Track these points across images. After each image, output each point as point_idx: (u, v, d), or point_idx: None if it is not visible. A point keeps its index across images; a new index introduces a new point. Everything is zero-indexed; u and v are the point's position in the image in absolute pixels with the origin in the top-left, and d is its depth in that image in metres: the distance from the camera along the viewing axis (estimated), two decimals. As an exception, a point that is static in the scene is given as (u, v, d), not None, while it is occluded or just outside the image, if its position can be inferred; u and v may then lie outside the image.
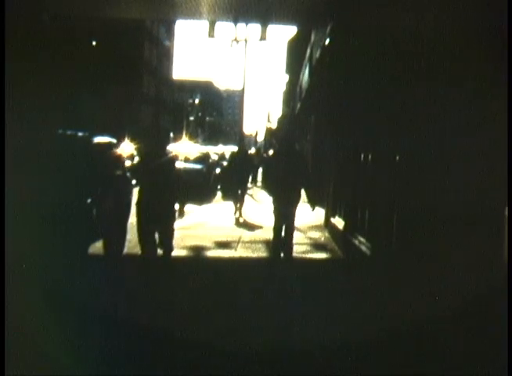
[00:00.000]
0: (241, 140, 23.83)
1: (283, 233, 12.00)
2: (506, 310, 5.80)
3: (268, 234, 15.66)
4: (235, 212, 19.84)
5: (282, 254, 12.03)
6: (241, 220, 19.27)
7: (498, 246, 7.83)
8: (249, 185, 36.15)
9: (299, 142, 34.83)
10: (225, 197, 20.25)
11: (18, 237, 7.81)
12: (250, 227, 17.11)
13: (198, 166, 26.37)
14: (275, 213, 12.10)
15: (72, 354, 5.78)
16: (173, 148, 32.79)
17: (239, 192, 20.30)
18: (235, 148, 21.31)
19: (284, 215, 12.01)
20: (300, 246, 14.46)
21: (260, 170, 36.31)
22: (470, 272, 8.40)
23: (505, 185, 6.72)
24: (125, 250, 12.49)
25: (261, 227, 17.36)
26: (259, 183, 37.16)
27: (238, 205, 19.99)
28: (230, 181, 21.19)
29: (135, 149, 19.59)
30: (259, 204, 25.26)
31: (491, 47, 7.95)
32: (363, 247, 12.78)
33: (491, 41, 7.94)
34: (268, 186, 12.56)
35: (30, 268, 7.91)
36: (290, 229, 12.06)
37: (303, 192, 12.30)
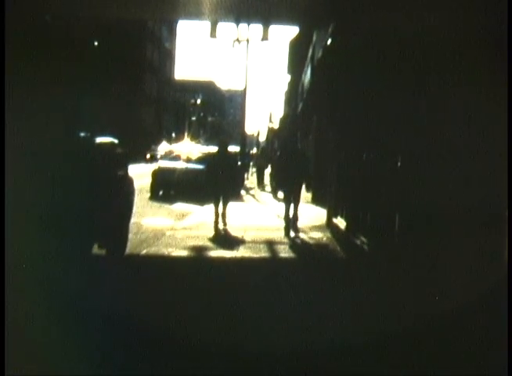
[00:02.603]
0: (223, 139, 19.42)
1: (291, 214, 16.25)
2: (506, 310, 5.81)
3: (270, 235, 15.70)
4: (215, 221, 16.42)
5: (290, 228, 16.11)
6: (222, 233, 16.11)
7: (498, 245, 7.84)
8: (251, 185, 36.29)
9: (301, 141, 34.84)
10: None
11: (20, 238, 7.81)
12: (252, 227, 17.10)
13: (200, 166, 26.38)
14: (284, 199, 16.69)
15: (72, 354, 5.79)
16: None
17: (220, 200, 16.66)
18: (220, 149, 17.38)
19: (291, 200, 16.35)
20: (302, 246, 14.48)
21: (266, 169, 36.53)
22: (470, 271, 8.41)
23: (505, 185, 6.72)
24: (127, 250, 12.50)
25: (263, 228, 17.36)
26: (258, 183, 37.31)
27: (219, 215, 16.55)
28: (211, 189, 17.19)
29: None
30: (262, 205, 25.28)
31: (491, 47, 7.95)
32: (365, 247, 12.80)
33: (491, 42, 7.95)
34: (276, 179, 17.58)
35: (31, 268, 7.91)
36: (296, 209, 16.41)
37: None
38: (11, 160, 7.22)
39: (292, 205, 16.46)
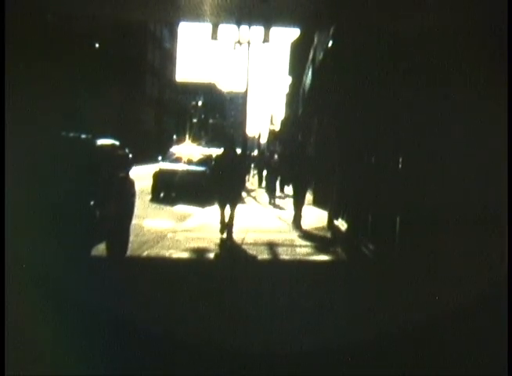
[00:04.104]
0: (230, 140, 17.34)
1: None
2: (506, 310, 5.80)
3: (272, 236, 15.69)
4: (221, 230, 15.33)
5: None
6: (228, 243, 14.85)
7: (499, 247, 7.83)
8: (252, 187, 36.29)
9: (302, 143, 34.85)
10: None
11: (20, 239, 7.81)
12: (253, 229, 17.09)
13: (201, 168, 26.36)
14: (293, 197, 19.29)
15: (72, 354, 5.79)
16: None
17: (228, 204, 15.42)
18: (227, 149, 15.97)
19: (298, 199, 18.80)
20: (303, 248, 14.46)
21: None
22: (471, 272, 8.41)
23: (505, 186, 6.72)
24: (128, 252, 12.50)
25: (264, 229, 17.36)
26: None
27: (225, 221, 15.35)
28: (217, 190, 15.99)
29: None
30: (263, 207, 25.26)
31: (491, 47, 7.96)
32: (366, 249, 12.79)
33: (491, 42, 7.95)
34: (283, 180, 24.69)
35: (31, 269, 7.91)
36: (300, 209, 18.67)
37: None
38: (11, 161, 7.22)
39: (298, 205, 18.70)
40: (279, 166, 31.44)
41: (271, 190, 28.20)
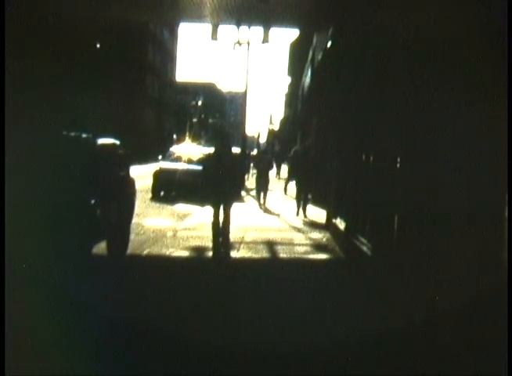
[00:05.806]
0: (223, 139, 14.84)
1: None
2: (506, 310, 5.81)
3: (271, 235, 15.71)
4: (213, 241, 13.38)
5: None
6: (225, 261, 13.05)
7: (498, 246, 7.85)
8: (252, 186, 36.21)
9: (301, 143, 34.85)
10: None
11: (21, 238, 7.83)
12: (252, 228, 17.11)
13: (201, 167, 26.27)
14: (296, 192, 21.92)
15: (72, 354, 5.80)
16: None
17: (222, 205, 13.63)
18: (219, 148, 14.23)
19: (303, 190, 21.55)
20: (301, 246, 14.49)
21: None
22: (470, 272, 8.42)
23: (505, 185, 6.74)
24: (128, 250, 12.51)
25: (263, 228, 17.37)
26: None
27: (218, 226, 13.52)
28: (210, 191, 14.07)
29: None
30: (262, 206, 25.24)
31: (491, 47, 7.97)
32: (365, 248, 12.79)
33: (491, 42, 7.97)
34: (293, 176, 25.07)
35: (32, 268, 7.92)
36: (305, 200, 21.46)
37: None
38: (11, 160, 7.24)
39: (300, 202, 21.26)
40: (271, 166, 31.38)
41: (260, 191, 27.32)
